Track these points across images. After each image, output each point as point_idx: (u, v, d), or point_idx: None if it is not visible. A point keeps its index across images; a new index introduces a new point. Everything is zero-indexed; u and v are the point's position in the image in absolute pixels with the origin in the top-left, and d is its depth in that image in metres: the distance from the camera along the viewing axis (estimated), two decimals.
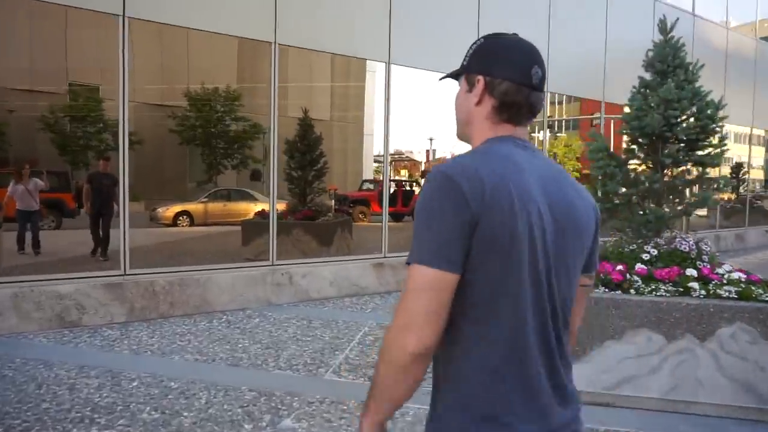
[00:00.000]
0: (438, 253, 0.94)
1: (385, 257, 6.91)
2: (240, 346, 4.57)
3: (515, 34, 1.11)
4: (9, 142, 17.87)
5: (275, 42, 5.97)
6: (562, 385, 1.06)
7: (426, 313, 0.93)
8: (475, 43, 1.12)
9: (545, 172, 1.06)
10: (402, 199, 19.27)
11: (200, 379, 3.79)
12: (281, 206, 16.40)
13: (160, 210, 14.63)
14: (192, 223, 14.52)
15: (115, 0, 5.05)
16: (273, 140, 6.15)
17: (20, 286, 4.64)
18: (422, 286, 0.94)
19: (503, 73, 1.07)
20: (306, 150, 9.26)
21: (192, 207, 14.60)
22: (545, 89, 1.12)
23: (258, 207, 16.71)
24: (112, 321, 5.01)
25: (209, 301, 5.50)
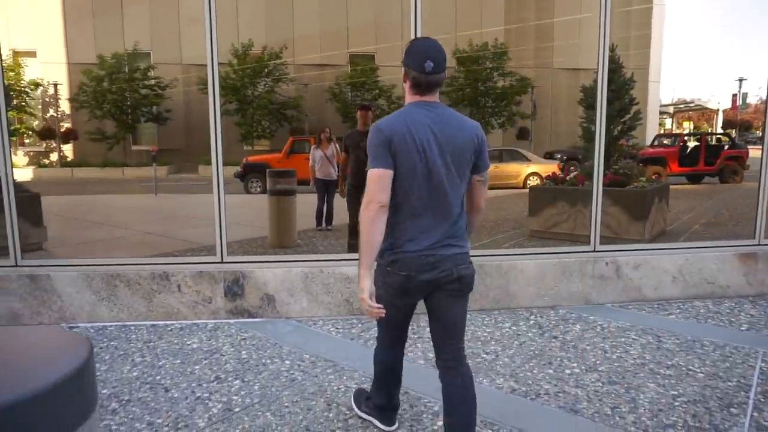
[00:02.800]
0: (379, 161, 1.92)
1: (759, 245, 4.70)
2: (567, 371, 3.24)
3: (427, 37, 2.05)
4: (304, 112, 19.95)
5: None
6: (449, 236, 2.02)
7: (378, 190, 1.90)
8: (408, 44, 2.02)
9: (436, 118, 1.97)
10: (705, 155, 15.28)
11: (525, 428, 2.59)
12: (551, 168, 14.45)
13: None
14: None
15: None
16: (601, 88, 4.48)
17: (310, 266, 4.14)
18: (375, 179, 1.92)
19: (413, 66, 1.97)
20: (612, 98, 7.29)
21: None
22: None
23: (530, 168, 15.14)
24: None
25: (512, 294, 4.30)
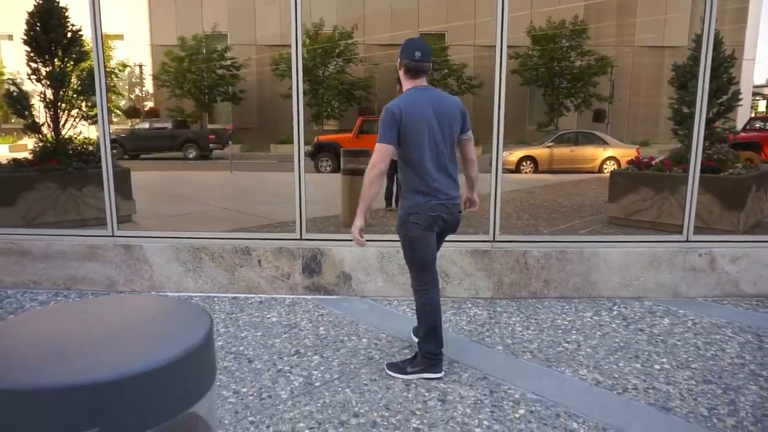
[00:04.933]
0: (386, 138, 2.61)
1: None
2: (657, 367, 3.07)
3: (418, 37, 2.75)
4: (373, 92, 19.95)
5: None
6: (449, 185, 2.74)
7: (381, 160, 2.61)
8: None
9: (431, 97, 2.69)
10: None
11: (613, 424, 2.47)
12: (630, 153, 13.64)
13: (503, 154, 13.87)
14: (536, 170, 13.35)
15: None
16: (704, 65, 4.14)
17: (386, 246, 4.15)
18: (381, 150, 2.61)
19: (405, 56, 2.69)
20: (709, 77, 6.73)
21: (537, 152, 13.36)
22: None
23: (607, 153, 14.41)
24: (476, 295, 4.15)
25: (593, 283, 4.13)
